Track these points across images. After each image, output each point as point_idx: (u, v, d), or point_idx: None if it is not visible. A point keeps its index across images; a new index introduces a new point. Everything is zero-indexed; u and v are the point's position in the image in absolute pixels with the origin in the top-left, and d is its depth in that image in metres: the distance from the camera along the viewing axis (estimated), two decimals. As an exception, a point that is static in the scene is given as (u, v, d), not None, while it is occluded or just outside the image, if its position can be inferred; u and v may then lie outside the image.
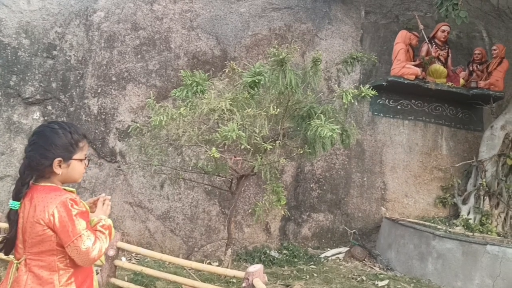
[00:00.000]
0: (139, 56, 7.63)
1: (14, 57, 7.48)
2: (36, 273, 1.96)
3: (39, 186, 2.01)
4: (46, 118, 7.36)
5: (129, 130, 6.01)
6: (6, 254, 2.05)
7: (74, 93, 7.50)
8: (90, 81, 7.50)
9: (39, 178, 2.03)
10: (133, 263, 5.98)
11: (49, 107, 7.45)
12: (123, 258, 6.09)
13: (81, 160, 2.11)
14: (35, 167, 2.01)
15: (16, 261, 2.00)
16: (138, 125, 5.58)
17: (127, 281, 4.91)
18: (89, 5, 7.81)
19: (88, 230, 1.99)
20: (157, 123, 4.70)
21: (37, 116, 7.41)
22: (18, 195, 1.99)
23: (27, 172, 2.01)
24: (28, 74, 7.46)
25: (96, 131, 7.34)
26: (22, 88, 7.41)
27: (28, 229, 1.96)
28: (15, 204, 1.98)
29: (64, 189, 2.06)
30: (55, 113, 7.41)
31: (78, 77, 7.54)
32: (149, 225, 7.11)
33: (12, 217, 1.99)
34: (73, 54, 7.63)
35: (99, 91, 7.46)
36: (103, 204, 2.22)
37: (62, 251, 1.98)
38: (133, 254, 6.53)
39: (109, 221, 2.15)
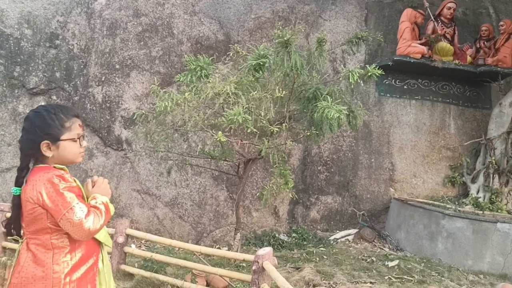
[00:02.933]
0: (142, 43, 7.57)
1: (17, 48, 7.45)
2: (33, 252, 1.98)
3: (35, 168, 2.03)
4: (51, 108, 7.34)
5: (134, 117, 5.98)
6: (8, 235, 2.10)
7: (78, 82, 7.47)
8: (93, 69, 7.46)
9: (36, 162, 2.05)
10: (143, 250, 6.01)
11: (54, 97, 7.42)
12: (133, 245, 6.12)
13: (72, 140, 2.07)
14: (27, 152, 2.03)
15: (21, 240, 2.06)
16: (143, 111, 5.55)
17: (137, 268, 4.93)
18: (90, -7, 7.74)
19: (80, 203, 1.97)
20: (162, 109, 4.66)
21: (42, 106, 7.39)
22: (17, 181, 2.02)
23: (22, 158, 2.03)
24: (32, 65, 7.43)
25: (102, 119, 7.33)
26: (26, 78, 7.38)
27: (23, 208, 1.99)
28: (15, 190, 2.01)
29: (54, 167, 2.04)
30: (60, 102, 7.39)
31: (82, 66, 7.50)
32: (158, 212, 7.13)
33: (14, 201, 2.03)
34: (76, 43, 7.58)
35: (103, 79, 7.42)
36: (95, 183, 2.19)
37: (56, 229, 1.98)
38: (143, 241, 6.56)
39: (105, 198, 2.12)
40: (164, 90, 5.46)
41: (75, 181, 2.09)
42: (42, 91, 7.38)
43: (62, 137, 2.04)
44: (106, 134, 7.30)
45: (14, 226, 2.08)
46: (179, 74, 5.54)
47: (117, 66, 7.45)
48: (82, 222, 1.91)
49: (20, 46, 7.44)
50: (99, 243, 2.18)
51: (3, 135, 7.23)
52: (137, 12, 7.65)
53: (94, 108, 7.34)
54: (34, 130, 2.00)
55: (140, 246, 6.39)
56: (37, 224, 1.97)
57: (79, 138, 2.10)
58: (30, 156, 2.03)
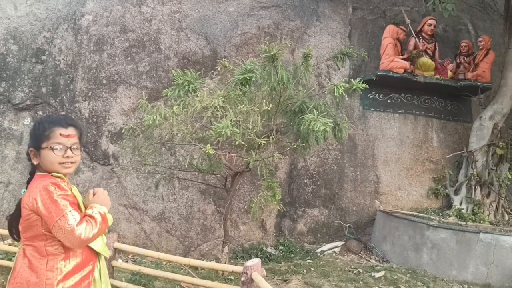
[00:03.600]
0: (129, 58, 7.63)
1: (2, 63, 7.45)
2: (29, 258, 2.02)
3: (35, 175, 2.12)
4: (37, 123, 7.32)
5: (122, 131, 6.01)
6: (11, 235, 2.17)
7: (64, 97, 7.48)
8: (80, 84, 7.48)
9: (37, 169, 2.14)
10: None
11: (40, 112, 7.41)
12: (120, 260, 6.08)
13: (50, 148, 2.07)
14: (28, 160, 2.15)
15: (19, 246, 2.11)
16: (131, 125, 5.59)
17: (125, 282, 4.91)
18: (77, 9, 7.79)
19: (73, 210, 1.99)
20: (151, 122, 4.71)
21: (27, 121, 7.37)
22: (27, 184, 2.12)
23: (31, 164, 2.15)
24: (18, 80, 7.43)
25: (88, 134, 7.33)
26: (12, 94, 7.37)
27: (22, 213, 2.05)
28: (24, 192, 2.10)
29: (52, 175, 2.09)
30: (61, 114, 7.39)
31: (68, 81, 7.52)
32: (145, 226, 7.11)
33: (17, 203, 2.12)
34: (62, 59, 7.61)
35: (89, 94, 7.44)
36: (95, 194, 2.24)
37: (51, 236, 2.01)
38: (130, 256, 6.53)
39: (103, 208, 2.15)
40: (152, 104, 5.51)
41: (71, 189, 2.12)
42: (28, 106, 7.37)
43: (42, 145, 2.08)
44: (93, 149, 7.30)
45: (14, 227, 2.15)
46: (166, 89, 5.61)
47: (104, 81, 7.49)
48: (73, 229, 1.93)
49: (6, 61, 7.45)
50: (96, 253, 2.20)
51: None
52: (124, 28, 7.73)
53: (80, 123, 7.34)
54: (29, 139, 2.14)
55: (127, 261, 6.35)
56: (33, 230, 2.01)
57: (65, 148, 2.10)
58: (31, 163, 2.14)
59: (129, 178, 7.16)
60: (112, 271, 4.89)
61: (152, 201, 7.17)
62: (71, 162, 2.13)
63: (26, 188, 2.09)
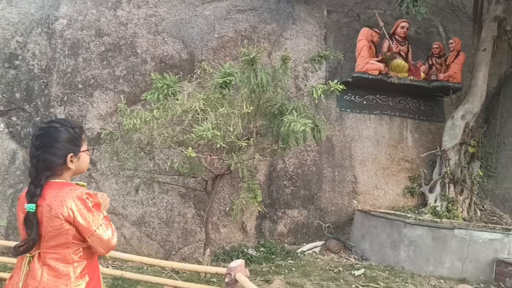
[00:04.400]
0: (105, 62, 7.57)
1: (-26, 69, 7.29)
2: (51, 266, 2.01)
3: (50, 183, 2.05)
4: (11, 129, 7.20)
5: (101, 135, 5.96)
6: (26, 252, 2.04)
7: (39, 103, 7.36)
8: (55, 89, 7.38)
9: (49, 176, 2.06)
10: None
11: (14, 118, 7.28)
12: (100, 266, 6.02)
13: (87, 151, 2.22)
14: (49, 167, 2.05)
15: (29, 255, 2.02)
16: (110, 130, 5.55)
17: (107, 287, 4.87)
18: (51, 13, 7.68)
19: (106, 220, 2.11)
20: (131, 126, 4.70)
21: (1, 127, 7.23)
22: (33, 198, 1.99)
23: (41, 174, 2.03)
24: (-10, 86, 7.28)
25: (65, 139, 7.22)
26: (-16, 99, 7.22)
27: (45, 223, 1.99)
28: (32, 207, 1.98)
29: (77, 183, 2.12)
30: (20, 123, 7.25)
31: (43, 86, 7.41)
32: (125, 231, 7.05)
33: (32, 218, 1.98)
34: (36, 63, 7.49)
35: (65, 99, 7.35)
36: (102, 197, 2.27)
37: (77, 244, 2.05)
38: (110, 262, 6.47)
39: (105, 213, 2.21)
40: (131, 108, 5.49)
41: (97, 198, 2.19)
42: (2, 112, 7.23)
43: (82, 149, 2.17)
44: (69, 154, 7.18)
45: (33, 243, 2.02)
46: (145, 93, 5.59)
47: (80, 86, 7.40)
48: (110, 239, 2.09)
49: (-22, 67, 7.29)
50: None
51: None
52: (99, 31, 7.66)
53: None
54: (60, 144, 2.07)
55: (107, 266, 6.29)
56: (60, 239, 2.01)
57: (88, 149, 2.25)
58: (51, 171, 2.05)
59: (107, 183, 7.10)
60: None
61: (131, 206, 7.12)
62: None
63: (46, 196, 2.00)
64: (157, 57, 7.72)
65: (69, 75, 7.44)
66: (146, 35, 7.82)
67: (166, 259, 6.90)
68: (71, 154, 2.10)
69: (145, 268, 6.24)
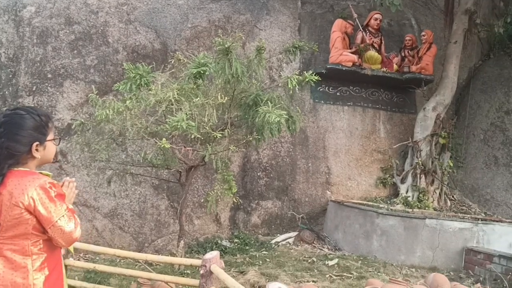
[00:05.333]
0: (75, 51, 7.37)
1: None
2: (8, 257, 1.93)
3: (13, 171, 1.97)
4: (-23, 119, 6.95)
5: (73, 126, 5.82)
6: None
7: (6, 92, 7.14)
8: (23, 79, 7.16)
9: (13, 165, 1.99)
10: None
11: (-20, 108, 7.04)
12: (71, 259, 5.90)
13: (53, 140, 2.13)
14: (13, 155, 1.98)
15: None
16: (82, 121, 5.42)
17: (79, 280, 4.78)
18: (18, 0, 7.44)
19: (68, 211, 2.04)
20: (104, 117, 4.60)
21: (-34, 118, 6.98)
22: None
23: (4, 162, 1.96)
24: (-46, 74, 7.01)
25: (34, 130, 7.03)
26: (-52, 89, 6.96)
27: (4, 212, 1.92)
28: None
29: (40, 172, 2.05)
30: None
31: (10, 76, 7.18)
32: (96, 223, 6.94)
33: None
34: (3, 52, 7.26)
35: (34, 89, 7.14)
36: (68, 188, 2.19)
37: (36, 235, 1.97)
38: (81, 255, 6.37)
39: (70, 206, 2.14)
40: (103, 99, 5.37)
41: (61, 189, 2.12)
42: (-33, 102, 6.98)
43: (48, 138, 2.07)
44: (39, 145, 7.00)
45: None
46: (118, 83, 5.48)
47: (49, 75, 7.21)
48: (72, 231, 2.01)
49: None
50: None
51: None
52: (69, 20, 7.46)
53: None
54: (25, 132, 1.99)
55: (78, 259, 6.18)
56: (19, 229, 1.93)
57: (54, 138, 2.16)
58: (14, 159, 1.98)
59: (78, 175, 6.94)
60: (65, 270, 4.75)
61: (103, 198, 7.00)
62: None
63: (6, 185, 1.94)
64: (129, 46, 7.57)
65: (38, 64, 7.23)
66: (118, 24, 7.65)
67: (139, 252, 6.82)
68: (37, 142, 2.02)
69: (118, 260, 6.16)
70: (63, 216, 1.97)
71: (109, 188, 6.90)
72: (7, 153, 1.96)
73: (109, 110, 4.62)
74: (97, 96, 5.31)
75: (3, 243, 1.94)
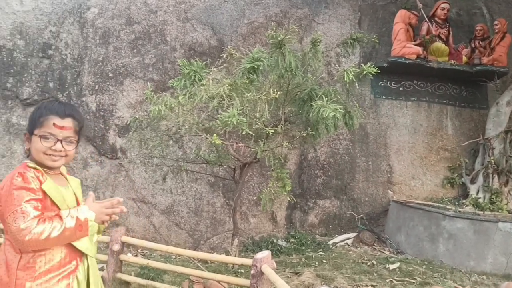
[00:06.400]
0: (135, 50, 7.53)
1: (9, 59, 7.40)
2: (6, 253, 1.83)
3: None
4: (44, 118, 7.28)
5: (128, 123, 5.92)
6: None
7: (71, 92, 7.42)
8: (87, 78, 7.41)
9: (27, 156, 1.95)
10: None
11: (48, 107, 7.35)
12: (129, 254, 6.01)
13: (40, 136, 1.88)
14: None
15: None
16: (136, 117, 5.49)
17: (134, 276, 4.82)
18: (83, 2, 7.71)
19: (28, 208, 1.74)
20: (156, 112, 4.60)
21: (36, 117, 7.33)
22: None
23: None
24: (25, 75, 7.38)
25: (96, 128, 7.25)
26: (20, 89, 7.33)
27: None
28: None
29: (28, 164, 1.88)
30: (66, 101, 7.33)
31: (75, 75, 7.46)
32: (154, 220, 7.03)
33: None
34: (69, 53, 7.55)
35: (96, 88, 7.37)
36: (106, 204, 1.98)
37: None
38: (139, 250, 6.46)
39: (90, 214, 1.88)
40: (158, 95, 5.39)
41: (49, 183, 1.88)
42: (36, 101, 7.30)
43: (35, 131, 1.90)
44: (100, 143, 7.22)
45: None
46: (172, 80, 5.50)
47: (111, 75, 7.41)
48: (18, 230, 1.69)
49: (13, 57, 7.40)
50: (82, 252, 1.95)
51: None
52: (129, 20, 7.63)
53: (88, 117, 7.27)
54: (28, 120, 1.96)
55: (136, 255, 6.28)
56: (4, 224, 1.80)
57: (56, 140, 1.90)
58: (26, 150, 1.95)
59: (137, 171, 7.08)
60: (121, 266, 4.81)
61: (160, 195, 7.09)
62: (60, 156, 1.93)
63: None
64: (186, 44, 7.62)
65: (100, 64, 7.46)
66: (176, 22, 7.73)
67: (195, 249, 6.84)
68: (25, 132, 1.95)
69: (174, 257, 6.20)
70: (13, 211, 1.70)
71: (166, 184, 6.98)
72: None
73: (161, 106, 4.61)
74: (152, 93, 5.34)
75: (5, 239, 1.86)
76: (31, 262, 1.80)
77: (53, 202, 1.85)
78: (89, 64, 7.47)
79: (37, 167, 1.88)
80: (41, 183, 1.83)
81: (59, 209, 1.86)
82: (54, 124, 1.89)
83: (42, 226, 1.71)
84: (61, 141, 1.90)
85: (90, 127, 7.24)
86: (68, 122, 1.92)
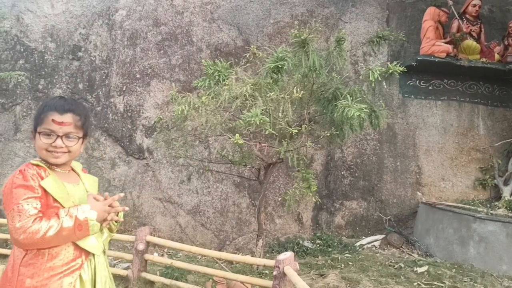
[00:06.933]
0: (162, 51, 7.61)
1: (41, 61, 7.61)
2: (14, 249, 1.85)
3: None
4: (74, 119, 7.44)
5: (154, 123, 5.98)
6: None
7: (100, 93, 7.56)
8: (115, 79, 7.53)
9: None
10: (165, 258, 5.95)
11: (77, 108, 7.51)
12: (155, 254, 6.07)
13: (40, 133, 1.87)
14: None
15: None
16: (161, 117, 5.53)
17: (158, 275, 4.86)
18: (111, 5, 7.85)
19: (24, 206, 1.72)
20: (180, 112, 4.62)
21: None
22: None
23: None
24: (56, 77, 7.57)
25: (123, 128, 7.36)
26: (51, 91, 7.52)
27: None
28: None
29: (31, 162, 1.88)
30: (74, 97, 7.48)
31: (104, 77, 7.59)
32: (180, 220, 7.08)
33: None
34: (98, 54, 7.69)
35: (124, 89, 7.48)
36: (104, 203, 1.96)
37: None
38: (165, 250, 6.51)
39: (91, 214, 1.85)
40: (182, 95, 5.43)
41: (49, 180, 1.85)
42: (66, 102, 7.46)
43: (37, 129, 1.89)
44: (128, 143, 7.32)
45: None
46: (197, 80, 5.52)
47: (138, 76, 7.50)
48: (14, 228, 1.68)
49: (44, 59, 7.60)
50: (89, 250, 1.93)
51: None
52: (156, 21, 7.71)
53: (116, 117, 7.39)
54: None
55: (162, 255, 6.34)
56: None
57: (56, 136, 1.88)
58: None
59: (163, 171, 7.15)
60: (145, 265, 4.86)
61: (186, 195, 7.13)
62: (63, 152, 1.89)
63: None
64: (212, 45, 7.65)
65: (128, 65, 7.57)
66: (202, 23, 7.77)
67: (220, 249, 6.85)
68: (31, 130, 1.93)
69: (199, 257, 6.22)
70: (12, 209, 1.70)
71: (192, 185, 7.02)
72: None
73: (184, 106, 4.62)
74: (177, 93, 5.37)
75: None
76: (33, 259, 1.80)
77: (55, 199, 1.83)
78: (117, 66, 7.59)
79: (40, 164, 1.87)
80: (42, 179, 1.82)
81: (63, 207, 1.84)
82: (53, 120, 1.86)
83: (38, 225, 1.69)
84: (61, 137, 1.88)
85: (118, 128, 7.36)
86: (67, 118, 1.88)
